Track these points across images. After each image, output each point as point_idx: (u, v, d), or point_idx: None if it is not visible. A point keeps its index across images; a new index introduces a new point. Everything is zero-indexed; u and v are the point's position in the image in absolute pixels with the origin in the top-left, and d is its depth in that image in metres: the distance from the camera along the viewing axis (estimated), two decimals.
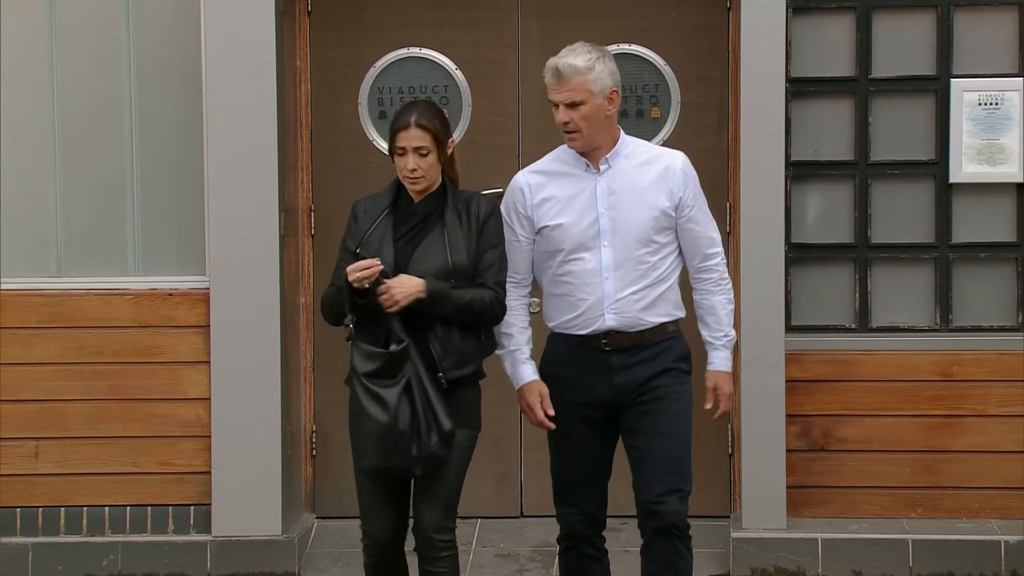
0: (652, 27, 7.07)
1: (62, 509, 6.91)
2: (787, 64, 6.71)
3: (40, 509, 6.91)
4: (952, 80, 6.73)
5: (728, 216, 6.95)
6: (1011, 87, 6.67)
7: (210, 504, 6.85)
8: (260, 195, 6.78)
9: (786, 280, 6.76)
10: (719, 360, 5.47)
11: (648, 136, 7.03)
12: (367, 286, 5.15)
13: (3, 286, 6.90)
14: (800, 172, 6.83)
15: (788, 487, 6.76)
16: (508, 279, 5.38)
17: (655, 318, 5.37)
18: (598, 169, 5.39)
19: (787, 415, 6.73)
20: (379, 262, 5.15)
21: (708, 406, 5.46)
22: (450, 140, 5.35)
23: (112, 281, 6.92)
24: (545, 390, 5.37)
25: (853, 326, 6.87)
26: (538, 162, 5.54)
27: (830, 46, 6.84)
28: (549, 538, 6.92)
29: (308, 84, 7.15)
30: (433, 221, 5.31)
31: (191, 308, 6.86)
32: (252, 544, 6.80)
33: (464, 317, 5.27)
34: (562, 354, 5.43)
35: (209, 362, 6.82)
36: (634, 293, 5.35)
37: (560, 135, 5.38)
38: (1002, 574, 6.67)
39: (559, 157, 5.47)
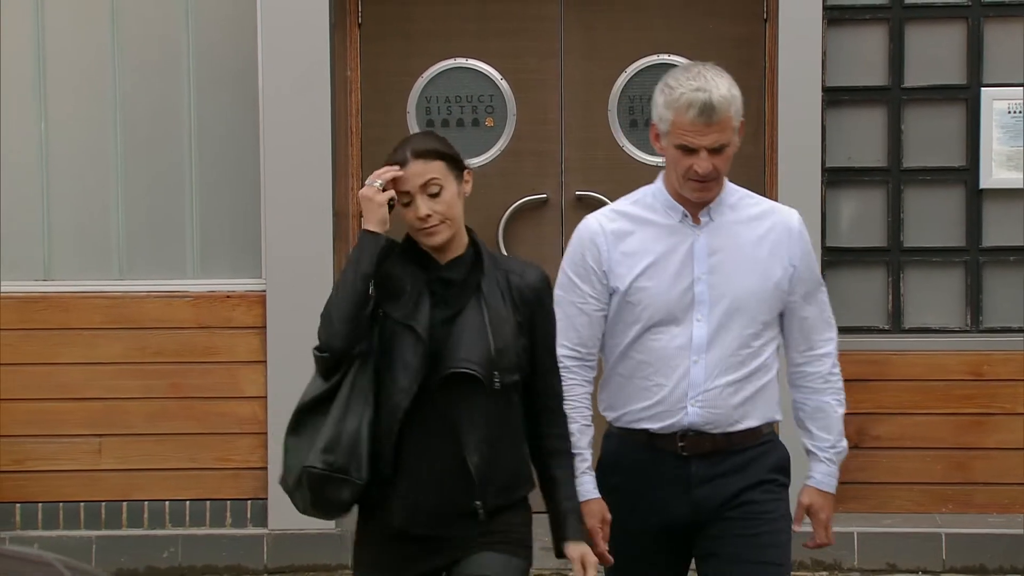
0: (691, 38, 7.22)
1: (124, 503, 7.11)
2: (823, 74, 6.89)
3: (103, 503, 7.11)
4: (982, 89, 6.89)
5: None
6: None
7: (266, 499, 7.03)
8: (314, 200, 6.98)
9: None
10: (822, 475, 4.38)
11: None
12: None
13: (69, 289, 7.13)
14: (835, 178, 7.01)
15: None
16: (567, 355, 4.25)
17: (749, 420, 4.24)
18: (697, 221, 4.25)
19: None
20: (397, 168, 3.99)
21: (797, 527, 4.36)
22: (467, 170, 4.09)
23: (172, 284, 7.12)
24: (608, 515, 4.21)
25: (886, 327, 7.03)
26: (617, 204, 4.37)
27: (864, 56, 7.00)
28: None
29: (358, 93, 7.33)
30: (468, 293, 4.03)
31: (248, 310, 7.06)
32: (307, 537, 6.98)
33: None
34: (625, 459, 4.29)
35: (265, 362, 7.01)
36: (729, 385, 4.22)
37: (678, 181, 4.20)
38: None
39: (644, 201, 4.32)
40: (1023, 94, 6.85)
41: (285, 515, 6.97)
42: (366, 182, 3.98)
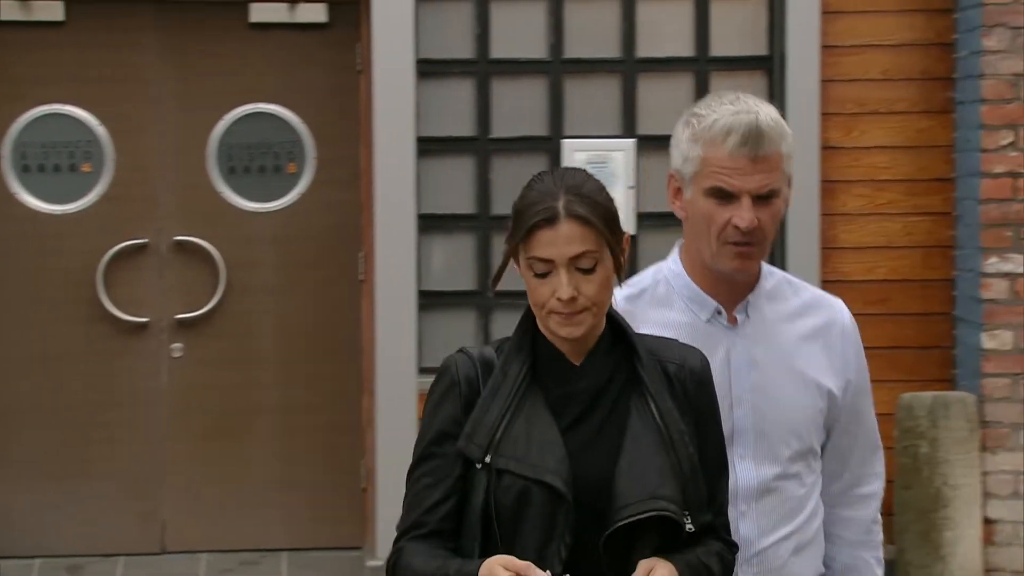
0: (288, 88, 7.38)
1: None
2: (415, 124, 7.09)
3: None
4: (563, 140, 7.21)
5: (361, 266, 7.37)
6: (617, 148, 7.20)
7: None
8: None
9: (418, 324, 7.13)
10: None
11: (285, 190, 7.43)
12: None
13: None
14: (428, 225, 7.23)
15: None
16: None
17: (809, 570, 3.30)
18: (733, 320, 3.24)
19: None
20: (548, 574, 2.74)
21: None
22: (626, 236, 2.93)
23: None
24: None
25: None
26: (619, 296, 3.09)
27: (454, 108, 7.24)
28: (191, 572, 7.18)
29: None
30: (623, 398, 2.90)
31: None
32: None
33: None
34: None
35: None
36: (786, 539, 3.24)
37: (710, 249, 3.18)
38: None
39: (656, 292, 3.27)
40: (601, 145, 7.22)
41: None
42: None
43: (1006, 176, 6.89)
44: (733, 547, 2.98)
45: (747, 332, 3.22)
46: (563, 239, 2.82)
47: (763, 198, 3.11)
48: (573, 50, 7.27)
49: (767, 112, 3.14)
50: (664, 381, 2.91)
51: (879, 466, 3.38)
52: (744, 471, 3.18)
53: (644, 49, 7.27)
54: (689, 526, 2.83)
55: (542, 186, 2.87)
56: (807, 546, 3.27)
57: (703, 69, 7.26)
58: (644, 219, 7.15)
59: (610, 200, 2.88)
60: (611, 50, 7.27)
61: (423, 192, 7.20)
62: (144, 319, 7.35)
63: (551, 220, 2.82)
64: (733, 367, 3.19)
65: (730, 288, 3.21)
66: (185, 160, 7.37)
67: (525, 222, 2.85)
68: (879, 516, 3.40)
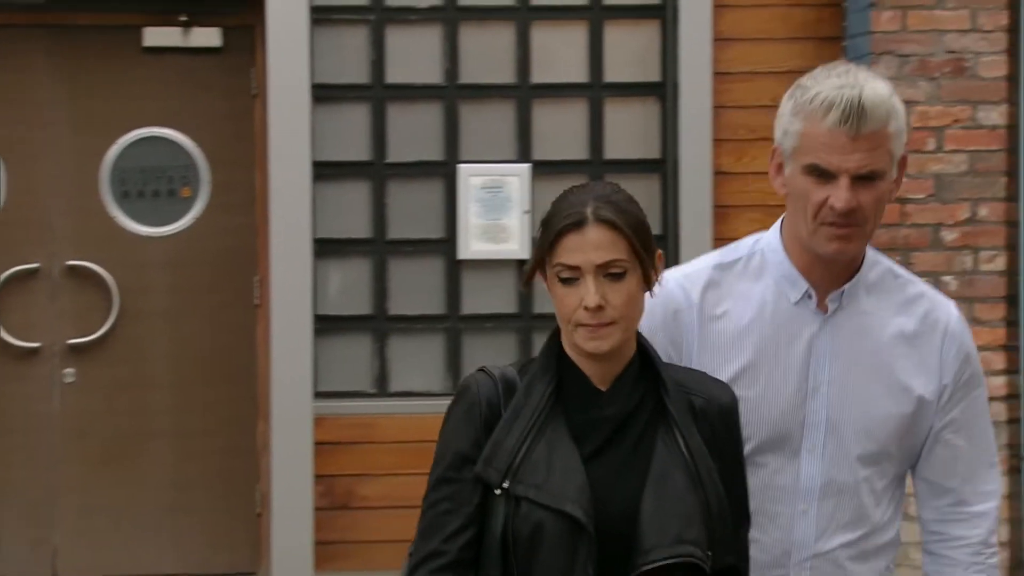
0: (182, 111, 7.35)
1: None
2: (311, 148, 7.09)
3: None
4: (459, 165, 7.21)
5: (256, 290, 7.35)
6: (512, 173, 7.20)
7: None
8: None
9: (314, 349, 7.13)
10: None
11: (179, 214, 7.40)
12: None
13: None
14: (324, 249, 7.22)
15: (315, 543, 7.09)
16: None
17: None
18: (824, 307, 3.07)
19: (315, 475, 7.08)
20: None
21: None
22: (658, 252, 2.82)
23: None
24: None
25: (373, 391, 7.26)
26: (710, 260, 3.17)
27: (350, 133, 7.23)
28: None
29: None
30: (649, 430, 2.77)
31: None
32: None
33: None
34: None
35: None
36: (847, 547, 3.05)
37: (807, 228, 3.01)
38: None
39: (752, 263, 3.13)
40: (496, 171, 7.21)
41: None
42: None
43: (894, 202, 6.98)
44: None
45: (837, 321, 3.03)
46: (591, 245, 2.71)
47: (864, 179, 2.91)
48: (468, 75, 7.30)
49: (874, 88, 2.92)
50: (691, 415, 2.77)
51: (992, 485, 3.12)
52: (810, 466, 3.00)
53: (539, 75, 7.31)
54: (712, 567, 2.71)
55: (572, 196, 2.79)
56: (871, 556, 3.08)
57: (597, 95, 7.32)
58: None
59: (641, 212, 2.77)
60: (506, 76, 7.31)
61: (319, 216, 7.20)
62: (36, 344, 7.28)
63: (579, 224, 2.72)
64: (814, 355, 3.02)
65: (826, 271, 3.02)
66: (78, 184, 7.32)
67: (553, 227, 2.76)
68: (993, 539, 3.11)
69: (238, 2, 7.28)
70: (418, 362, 7.32)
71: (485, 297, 7.33)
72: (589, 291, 2.69)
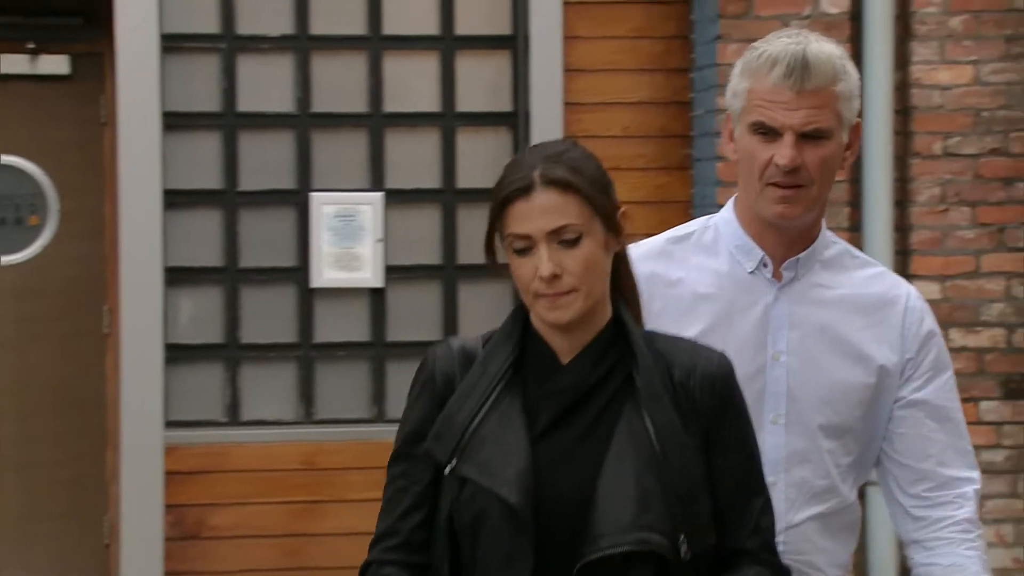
0: (30, 139, 7.28)
1: None
2: (162, 177, 7.04)
3: None
4: (312, 194, 7.22)
5: (106, 319, 7.28)
6: (365, 201, 7.22)
7: None
8: None
9: (164, 378, 7.07)
10: None
11: (26, 242, 7.31)
12: None
13: None
14: (176, 277, 7.17)
15: (165, 573, 7.02)
16: None
17: (833, 570, 3.05)
18: (779, 276, 3.03)
19: (165, 505, 7.02)
20: None
21: None
22: (621, 208, 2.72)
23: None
24: None
25: (225, 420, 7.23)
26: (663, 237, 3.17)
27: (202, 160, 7.22)
28: None
29: None
30: (614, 406, 2.57)
31: None
32: None
33: None
34: None
35: None
36: (814, 519, 3.01)
37: (754, 191, 2.99)
38: None
39: (703, 238, 3.12)
40: (349, 199, 7.23)
41: None
42: None
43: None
44: (782, 572, 2.62)
45: (793, 291, 3.00)
46: (538, 210, 2.55)
47: (809, 137, 2.87)
48: (320, 104, 7.30)
49: (821, 46, 2.89)
50: (669, 388, 2.56)
51: (969, 471, 3.04)
52: (774, 437, 2.94)
53: (391, 104, 7.33)
54: (686, 553, 2.46)
55: (521, 158, 2.63)
56: (840, 532, 3.04)
57: (449, 124, 7.36)
58: (392, 272, 7.20)
59: (599, 169, 2.63)
60: (358, 104, 7.32)
61: (170, 245, 7.16)
62: None
63: (526, 190, 2.56)
64: (771, 325, 2.98)
65: (779, 239, 2.99)
66: None
67: (500, 195, 2.58)
68: (976, 518, 3.02)
69: (87, 29, 7.23)
70: (270, 391, 7.30)
71: (338, 325, 7.33)
72: (543, 260, 2.54)
